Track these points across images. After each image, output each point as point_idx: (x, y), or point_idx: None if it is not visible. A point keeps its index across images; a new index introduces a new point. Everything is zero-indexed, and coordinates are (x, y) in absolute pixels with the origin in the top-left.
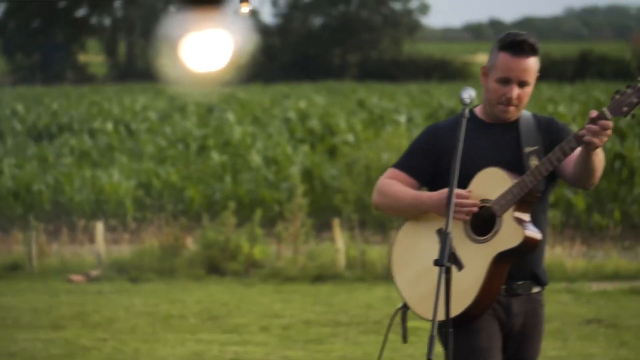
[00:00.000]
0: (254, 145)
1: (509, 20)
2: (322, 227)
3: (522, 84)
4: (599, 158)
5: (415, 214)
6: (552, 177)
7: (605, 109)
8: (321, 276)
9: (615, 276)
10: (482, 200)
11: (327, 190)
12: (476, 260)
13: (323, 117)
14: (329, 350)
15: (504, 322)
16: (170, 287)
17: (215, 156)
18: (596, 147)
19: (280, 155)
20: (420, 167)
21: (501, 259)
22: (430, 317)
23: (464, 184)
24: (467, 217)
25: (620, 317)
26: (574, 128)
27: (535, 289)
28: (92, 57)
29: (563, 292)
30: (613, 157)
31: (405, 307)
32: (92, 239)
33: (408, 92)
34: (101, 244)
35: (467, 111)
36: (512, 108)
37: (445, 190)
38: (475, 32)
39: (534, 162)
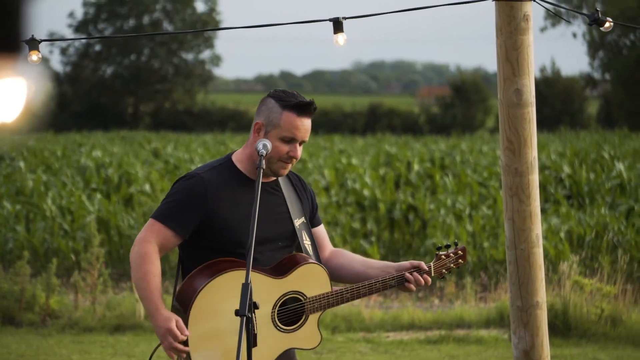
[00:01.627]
0: (48, 194)
1: (300, 72)
2: (120, 277)
3: (302, 143)
4: None
5: (148, 309)
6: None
7: (432, 265)
8: (120, 326)
9: (411, 326)
10: (298, 292)
11: (124, 239)
12: (269, 345)
13: (120, 166)
14: None
15: None
16: None
17: (8, 205)
18: (408, 292)
19: (76, 204)
20: (187, 225)
21: (291, 351)
22: None
23: (240, 244)
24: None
25: None
26: (367, 180)
27: None
28: None
29: (361, 341)
30: (406, 209)
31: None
32: None
33: (203, 143)
34: None
35: (263, 162)
36: (289, 165)
37: (164, 319)
38: (266, 84)
39: (306, 242)
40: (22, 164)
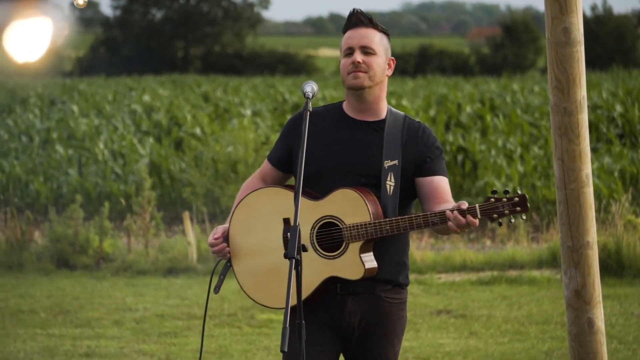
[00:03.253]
0: (100, 138)
1: None
2: (172, 220)
3: (365, 50)
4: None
5: None
6: (413, 194)
7: (477, 207)
8: (173, 269)
9: (463, 267)
10: (335, 217)
11: (176, 183)
12: (311, 270)
13: (169, 110)
14: (183, 343)
15: (337, 320)
16: (19, 281)
17: (60, 149)
18: (454, 233)
19: (127, 148)
20: (280, 157)
21: (334, 280)
22: (253, 295)
23: (313, 178)
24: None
25: (469, 307)
26: (418, 118)
27: (383, 287)
28: None
29: (413, 283)
30: (456, 151)
31: (229, 264)
32: None
33: (252, 86)
34: None
35: (310, 104)
36: (361, 74)
37: (218, 229)
38: (316, 26)
39: (389, 182)
40: (74, 108)
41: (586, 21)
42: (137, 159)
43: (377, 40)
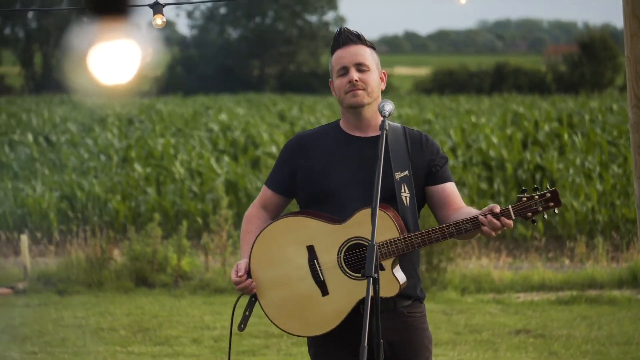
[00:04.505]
0: (177, 156)
1: (424, 32)
2: None
3: (359, 67)
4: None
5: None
6: (422, 202)
7: (510, 208)
8: None
9: (542, 287)
10: (361, 238)
11: (252, 201)
12: (343, 293)
13: (245, 129)
14: None
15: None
16: (99, 299)
17: (138, 168)
18: (488, 236)
19: (204, 166)
20: (281, 182)
21: (362, 300)
22: (285, 327)
23: (325, 196)
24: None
25: (548, 327)
26: (494, 140)
27: (404, 303)
28: (8, 69)
29: (491, 302)
30: (533, 169)
31: (255, 299)
32: (16, 252)
33: (328, 104)
34: (26, 256)
35: (386, 123)
36: (360, 92)
37: (240, 265)
38: (391, 45)
39: (404, 194)
40: (153, 127)
41: None
42: (213, 177)
43: (369, 56)
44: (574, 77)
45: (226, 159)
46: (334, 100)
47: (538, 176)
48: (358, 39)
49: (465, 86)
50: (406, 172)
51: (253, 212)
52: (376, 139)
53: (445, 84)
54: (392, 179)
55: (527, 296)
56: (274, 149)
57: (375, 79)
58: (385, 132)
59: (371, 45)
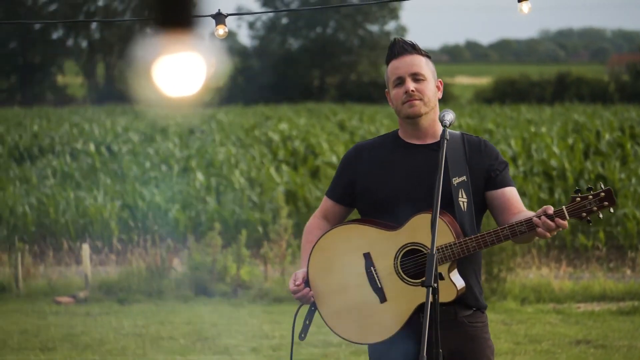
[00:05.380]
0: (237, 166)
1: (486, 42)
2: None
3: (415, 77)
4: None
5: None
6: (483, 207)
7: (564, 209)
8: None
9: (602, 297)
10: (417, 244)
11: (312, 211)
12: (401, 299)
13: (305, 139)
14: None
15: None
16: (159, 308)
17: (199, 177)
18: (544, 238)
19: (264, 176)
20: (342, 192)
21: (421, 307)
22: (345, 335)
23: (387, 204)
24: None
25: (609, 337)
26: (555, 149)
27: (465, 313)
28: (71, 79)
29: (552, 312)
30: (595, 179)
31: (314, 307)
32: (78, 261)
33: (389, 114)
34: (88, 265)
35: (447, 132)
36: (417, 102)
37: (298, 275)
38: (452, 54)
39: (461, 199)
40: (214, 137)
41: None
42: (273, 187)
43: (425, 65)
44: (637, 86)
45: (285, 168)
46: (392, 109)
47: (599, 186)
48: (413, 48)
49: (526, 96)
50: (464, 178)
51: (314, 223)
52: (434, 146)
53: (507, 93)
54: (450, 185)
55: (588, 306)
56: (333, 159)
57: (431, 89)
58: (445, 141)
59: (426, 54)
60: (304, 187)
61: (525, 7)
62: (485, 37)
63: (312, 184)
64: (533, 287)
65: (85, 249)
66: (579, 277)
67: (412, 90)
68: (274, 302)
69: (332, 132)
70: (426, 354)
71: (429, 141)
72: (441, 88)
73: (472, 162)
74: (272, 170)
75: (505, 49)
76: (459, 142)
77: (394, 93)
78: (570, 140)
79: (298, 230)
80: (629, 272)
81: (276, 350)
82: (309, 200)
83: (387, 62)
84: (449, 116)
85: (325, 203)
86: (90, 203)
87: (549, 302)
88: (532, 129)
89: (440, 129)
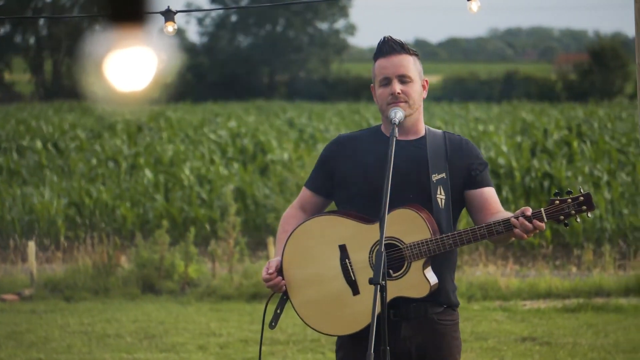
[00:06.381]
0: (186, 163)
1: (435, 40)
2: (256, 246)
3: (402, 78)
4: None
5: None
6: (461, 205)
7: (543, 211)
8: (257, 294)
9: (548, 295)
10: (393, 238)
11: (260, 209)
12: (374, 293)
13: (254, 136)
14: None
15: (392, 347)
16: (105, 306)
17: (147, 174)
18: (521, 239)
19: (213, 173)
20: (321, 183)
21: (398, 301)
22: (316, 326)
23: (366, 196)
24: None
25: (554, 334)
26: (503, 148)
27: (435, 310)
28: (18, 76)
29: (498, 310)
30: (542, 177)
31: (286, 296)
32: (24, 258)
33: (338, 112)
34: (33, 263)
35: (396, 130)
36: (401, 104)
37: (272, 263)
38: None
39: (439, 196)
40: (162, 134)
41: None
42: (222, 184)
43: (412, 66)
44: (584, 85)
45: (235, 166)
46: (343, 107)
47: (546, 184)
48: (402, 48)
49: (475, 94)
50: (443, 175)
51: (291, 213)
52: (415, 142)
53: (455, 91)
54: (429, 181)
55: (534, 304)
56: (282, 156)
57: (417, 90)
58: (394, 139)
59: (415, 52)
60: (253, 184)
61: (474, 5)
62: (435, 36)
63: (261, 182)
64: (480, 284)
65: (31, 246)
66: (525, 274)
67: (398, 93)
68: (221, 300)
69: (281, 129)
70: (373, 352)
71: (411, 137)
72: (426, 87)
73: (452, 160)
74: (222, 168)
75: (454, 48)
76: (441, 139)
77: (380, 92)
78: (517, 139)
79: (246, 228)
80: (574, 269)
81: (223, 348)
82: (257, 198)
83: (375, 59)
84: (399, 114)
85: (304, 193)
86: (37, 200)
87: (495, 300)
88: (480, 127)
89: (423, 127)
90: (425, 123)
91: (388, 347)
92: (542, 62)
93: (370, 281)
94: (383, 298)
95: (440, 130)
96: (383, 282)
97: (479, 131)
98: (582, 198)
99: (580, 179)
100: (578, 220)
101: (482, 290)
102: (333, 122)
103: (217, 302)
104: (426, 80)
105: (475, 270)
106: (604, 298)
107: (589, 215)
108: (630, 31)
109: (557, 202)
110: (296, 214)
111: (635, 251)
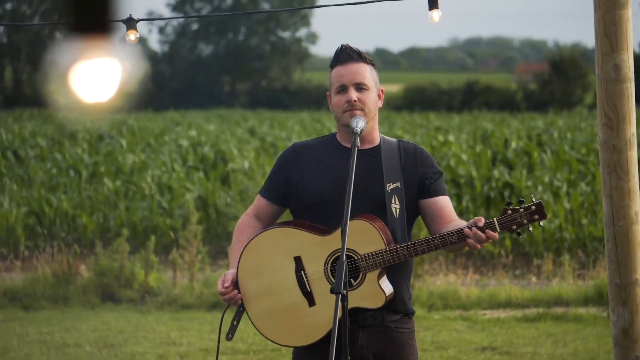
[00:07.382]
0: (147, 172)
1: (396, 50)
2: (217, 255)
3: (358, 87)
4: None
5: None
6: (415, 214)
7: (495, 221)
8: (218, 303)
9: (508, 304)
10: (348, 249)
11: (222, 217)
12: (330, 304)
13: (215, 145)
14: None
15: (349, 355)
16: (64, 315)
17: (108, 183)
18: (474, 249)
19: (174, 182)
20: (276, 191)
21: (355, 310)
22: (272, 337)
23: (321, 205)
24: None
25: (514, 344)
26: (463, 157)
27: (392, 318)
28: None
29: (458, 319)
30: (502, 186)
31: (242, 308)
32: None
33: (299, 120)
34: None
35: (358, 140)
36: (357, 112)
37: (227, 276)
38: None
39: (394, 205)
40: (122, 142)
41: (636, 57)
42: (183, 193)
43: (368, 75)
44: (544, 95)
45: (196, 174)
46: (305, 116)
47: (507, 193)
48: (359, 56)
49: (435, 103)
50: (397, 184)
51: (245, 221)
52: (370, 151)
53: (416, 101)
54: (384, 190)
55: (494, 313)
56: (243, 165)
57: (373, 98)
58: (356, 148)
59: (371, 62)
60: (215, 193)
61: (435, 15)
62: (395, 45)
63: (222, 190)
64: (440, 294)
65: None
66: (485, 284)
67: (355, 100)
68: (182, 309)
69: (242, 138)
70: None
71: (366, 146)
72: (382, 96)
73: (406, 169)
74: (182, 176)
75: (415, 57)
76: (395, 148)
77: (336, 100)
78: (478, 148)
79: (208, 236)
80: (534, 279)
81: (183, 357)
82: (219, 207)
83: (332, 67)
84: (361, 123)
85: (259, 201)
86: None
87: (455, 309)
88: (441, 137)
89: (377, 135)
90: (386, 132)
91: (349, 357)
92: (502, 72)
93: (332, 290)
94: (344, 307)
95: (394, 139)
96: (345, 292)
97: (439, 141)
98: (534, 207)
99: (540, 188)
100: (530, 229)
101: (442, 299)
102: (295, 130)
103: (177, 311)
104: (382, 90)
105: (436, 280)
106: (563, 308)
107: (541, 224)
108: (589, 42)
109: (510, 212)
110: (251, 223)
111: (594, 261)
